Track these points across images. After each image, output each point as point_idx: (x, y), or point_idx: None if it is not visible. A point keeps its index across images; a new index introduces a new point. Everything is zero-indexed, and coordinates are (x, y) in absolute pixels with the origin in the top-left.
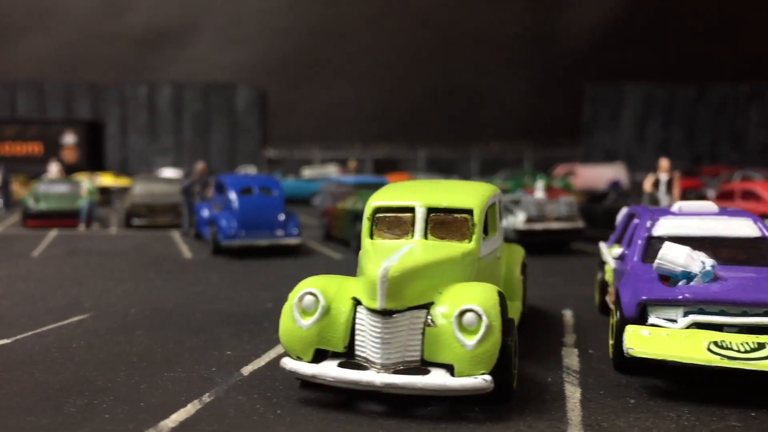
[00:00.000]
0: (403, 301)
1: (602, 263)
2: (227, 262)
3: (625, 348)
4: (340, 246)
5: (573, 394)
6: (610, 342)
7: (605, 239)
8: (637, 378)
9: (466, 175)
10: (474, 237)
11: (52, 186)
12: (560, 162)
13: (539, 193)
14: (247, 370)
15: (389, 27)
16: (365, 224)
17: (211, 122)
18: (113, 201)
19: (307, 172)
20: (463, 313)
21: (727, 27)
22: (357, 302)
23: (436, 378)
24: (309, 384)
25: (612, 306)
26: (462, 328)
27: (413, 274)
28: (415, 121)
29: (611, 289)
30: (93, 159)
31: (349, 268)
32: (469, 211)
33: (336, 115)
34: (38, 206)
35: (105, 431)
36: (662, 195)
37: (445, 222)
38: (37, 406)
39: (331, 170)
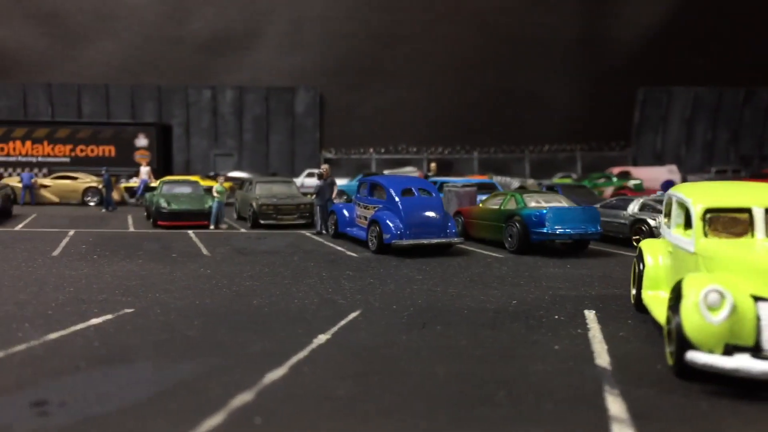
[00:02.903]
0: None
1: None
2: (399, 261)
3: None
4: (487, 245)
5: None
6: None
7: None
8: None
9: (520, 177)
10: None
11: (174, 187)
12: (611, 164)
13: None
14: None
15: (445, 32)
16: (698, 225)
17: (270, 125)
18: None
19: (387, 174)
20: None
21: None
22: (756, 298)
23: None
24: (690, 375)
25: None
26: None
27: None
28: (469, 123)
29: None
30: (163, 161)
31: (520, 266)
32: None
33: (391, 117)
34: (170, 207)
35: None
36: None
37: None
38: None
39: (410, 171)
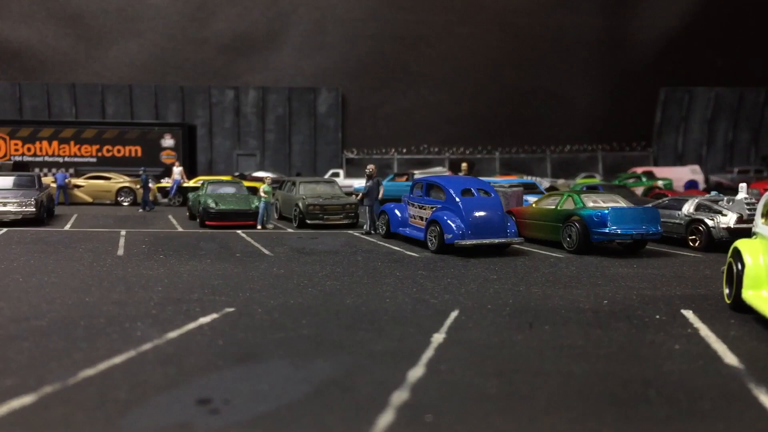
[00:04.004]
0: None
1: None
2: (465, 261)
3: None
4: (541, 245)
5: None
6: None
7: None
8: None
9: (542, 176)
10: None
11: (218, 187)
12: (632, 164)
13: (743, 193)
14: None
15: (466, 32)
16: None
17: (293, 125)
18: None
19: (417, 175)
20: None
21: None
22: None
23: None
24: None
25: None
26: None
27: None
28: (490, 123)
29: None
30: (189, 162)
31: (587, 266)
32: None
33: (413, 117)
34: (218, 207)
35: None
36: None
37: None
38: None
39: (440, 171)
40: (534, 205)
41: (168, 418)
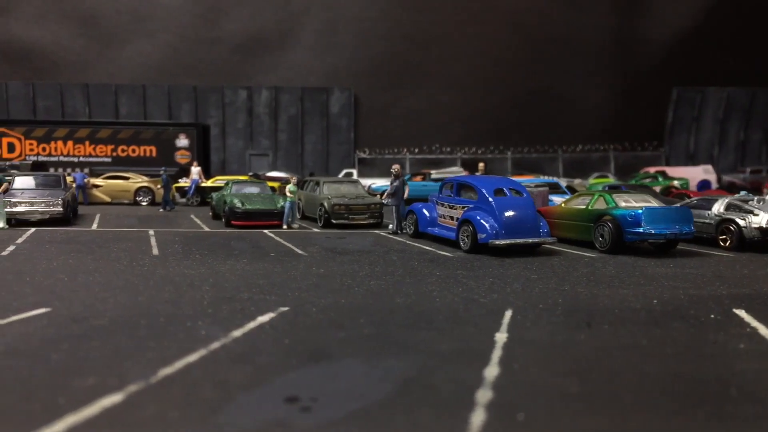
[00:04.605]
0: None
1: None
2: (500, 261)
3: None
4: (571, 245)
5: None
6: None
7: None
8: None
9: (554, 176)
10: None
11: (243, 187)
12: (644, 164)
13: None
14: None
15: (478, 32)
16: None
17: (305, 125)
18: None
19: (434, 174)
20: None
21: None
22: None
23: None
24: None
25: None
26: None
27: None
28: (502, 123)
29: None
30: (203, 162)
31: (623, 265)
32: None
33: (425, 117)
34: (245, 207)
35: None
36: None
37: None
38: None
39: (456, 171)
40: (563, 204)
41: (262, 416)
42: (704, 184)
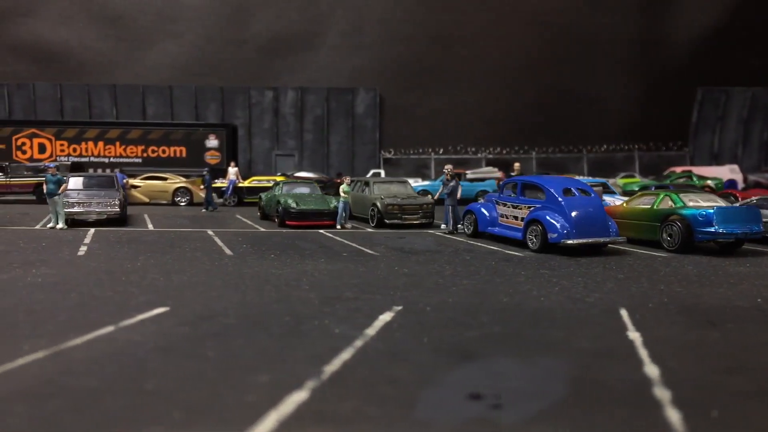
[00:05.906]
0: None
1: None
2: (575, 260)
3: None
4: (636, 244)
5: None
6: None
7: None
8: None
9: (580, 176)
10: None
11: (293, 187)
12: (668, 164)
13: None
14: None
15: (502, 33)
16: None
17: (331, 125)
18: None
19: (470, 174)
20: None
21: None
22: None
23: None
24: None
25: None
26: None
27: None
28: (526, 123)
29: None
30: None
31: (700, 265)
32: None
33: (450, 118)
34: (299, 207)
35: None
36: None
37: None
38: None
39: (491, 171)
40: (625, 204)
41: (459, 413)
42: (731, 184)
